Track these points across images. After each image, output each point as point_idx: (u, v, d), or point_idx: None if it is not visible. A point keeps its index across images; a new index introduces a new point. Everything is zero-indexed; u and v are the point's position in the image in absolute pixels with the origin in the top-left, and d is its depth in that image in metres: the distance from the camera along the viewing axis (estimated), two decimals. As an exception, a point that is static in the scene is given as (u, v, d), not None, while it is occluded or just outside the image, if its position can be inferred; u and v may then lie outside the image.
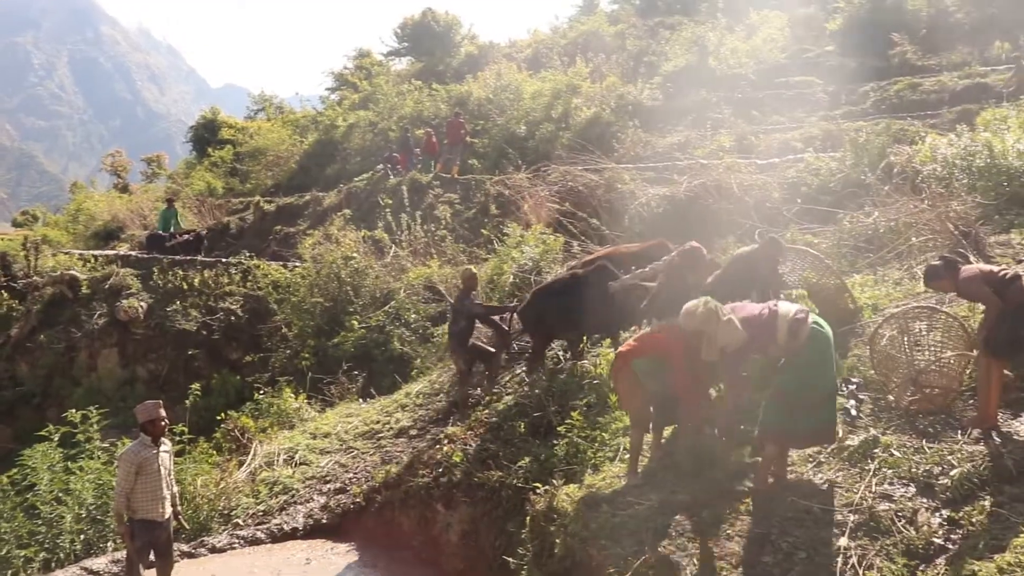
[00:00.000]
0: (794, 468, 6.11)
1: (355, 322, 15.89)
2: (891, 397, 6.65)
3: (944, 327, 6.65)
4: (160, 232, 22.89)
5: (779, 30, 30.25)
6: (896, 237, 10.71)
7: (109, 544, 9.62)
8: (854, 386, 6.96)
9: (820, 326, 5.86)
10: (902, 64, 24.49)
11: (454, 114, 25.81)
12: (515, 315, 10.75)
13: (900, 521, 5.19)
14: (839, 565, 4.94)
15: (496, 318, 10.98)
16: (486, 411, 9.90)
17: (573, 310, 9.48)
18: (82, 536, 9.73)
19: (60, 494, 9.94)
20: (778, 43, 29.25)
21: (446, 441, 9.57)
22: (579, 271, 10.08)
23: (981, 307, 6.74)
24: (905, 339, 6.71)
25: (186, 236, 22.59)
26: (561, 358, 10.46)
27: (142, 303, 19.74)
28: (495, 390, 10.50)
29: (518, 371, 10.80)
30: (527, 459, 8.27)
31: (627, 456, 7.05)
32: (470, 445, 9.24)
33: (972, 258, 7.66)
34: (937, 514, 5.20)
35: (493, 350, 11.07)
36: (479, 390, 10.89)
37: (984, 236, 9.68)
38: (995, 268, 6.06)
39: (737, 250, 8.66)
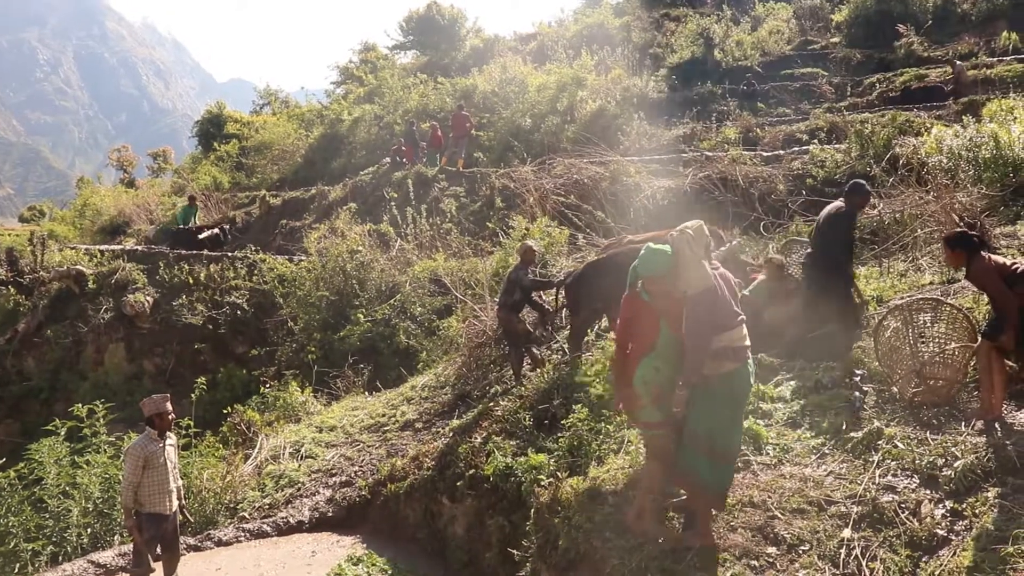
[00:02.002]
0: (798, 460, 6.11)
1: (361, 316, 15.94)
2: (895, 389, 6.64)
3: (948, 319, 6.63)
4: (182, 227, 22.91)
5: (784, 22, 30.28)
6: (901, 229, 10.72)
7: (116, 537, 9.69)
8: (858, 378, 6.95)
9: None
10: (908, 55, 24.44)
11: (459, 107, 25.79)
12: (561, 291, 10.42)
13: (903, 512, 5.18)
14: (843, 556, 4.94)
15: (538, 300, 10.85)
16: (491, 403, 9.91)
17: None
18: (89, 530, 9.79)
19: (67, 488, 9.99)
20: (783, 35, 29.29)
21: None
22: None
23: (986, 299, 6.72)
24: (909, 331, 6.69)
25: (214, 231, 22.66)
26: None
27: (148, 297, 19.81)
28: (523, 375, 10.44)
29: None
30: (532, 451, 8.27)
31: (631, 448, 6.97)
32: (475, 438, 9.26)
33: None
34: (940, 505, 5.19)
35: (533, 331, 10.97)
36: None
37: (990, 227, 9.65)
38: (1008, 262, 6.01)
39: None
